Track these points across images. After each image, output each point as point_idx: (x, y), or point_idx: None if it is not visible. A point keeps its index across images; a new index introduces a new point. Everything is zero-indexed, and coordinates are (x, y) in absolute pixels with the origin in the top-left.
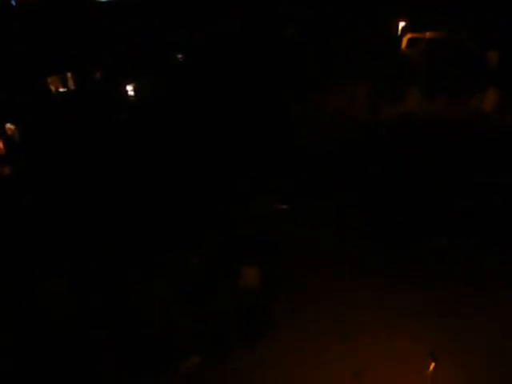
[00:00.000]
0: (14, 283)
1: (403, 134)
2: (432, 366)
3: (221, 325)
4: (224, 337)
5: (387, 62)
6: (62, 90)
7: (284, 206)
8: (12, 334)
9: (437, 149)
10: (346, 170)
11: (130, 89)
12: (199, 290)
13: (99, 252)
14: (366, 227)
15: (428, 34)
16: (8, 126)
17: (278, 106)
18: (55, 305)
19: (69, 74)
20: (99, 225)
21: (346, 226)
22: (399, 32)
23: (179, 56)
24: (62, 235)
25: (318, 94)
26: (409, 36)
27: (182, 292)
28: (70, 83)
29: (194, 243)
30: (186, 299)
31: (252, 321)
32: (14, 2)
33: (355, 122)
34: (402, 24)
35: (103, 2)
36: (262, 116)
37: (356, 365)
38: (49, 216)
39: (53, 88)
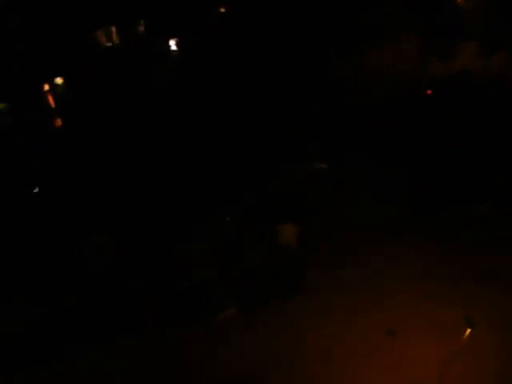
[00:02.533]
0: (63, 235)
1: (455, 94)
2: (468, 331)
3: (258, 280)
4: (261, 291)
5: (439, 14)
6: (107, 44)
7: (323, 165)
8: (53, 282)
9: (490, 110)
10: (388, 133)
11: (172, 43)
12: (237, 246)
13: (141, 211)
14: (406, 191)
15: None
16: (57, 80)
17: (314, 64)
18: (94, 255)
19: (113, 28)
20: (142, 186)
21: (386, 189)
22: None
23: (221, 9)
24: (108, 190)
25: (362, 50)
26: None
27: (220, 248)
28: (115, 37)
29: (232, 203)
30: (224, 255)
31: (289, 277)
32: None
33: (403, 80)
34: None
35: None
36: (299, 75)
37: (389, 324)
38: (97, 170)
39: (99, 42)
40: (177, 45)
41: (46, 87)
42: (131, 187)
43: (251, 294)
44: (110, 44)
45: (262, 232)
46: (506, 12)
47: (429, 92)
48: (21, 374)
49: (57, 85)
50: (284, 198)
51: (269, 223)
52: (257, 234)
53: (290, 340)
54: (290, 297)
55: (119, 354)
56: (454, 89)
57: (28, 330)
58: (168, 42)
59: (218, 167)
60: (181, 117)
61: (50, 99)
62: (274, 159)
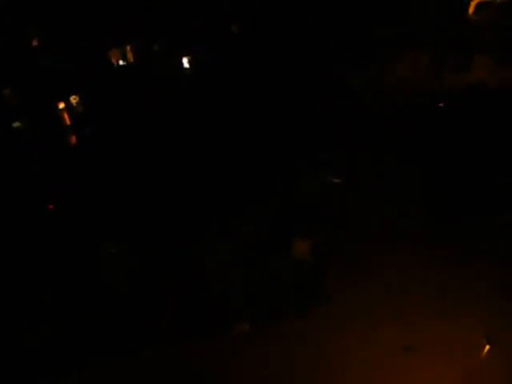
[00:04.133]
0: (78, 247)
1: (469, 105)
2: (487, 348)
3: (272, 294)
4: (275, 304)
5: (453, 28)
6: (121, 63)
7: (337, 180)
8: (75, 296)
9: (505, 122)
10: (404, 143)
11: (185, 61)
12: (252, 260)
13: (162, 220)
14: (424, 202)
15: None
16: (72, 97)
17: (334, 78)
18: (118, 267)
19: (128, 47)
20: (162, 194)
21: (402, 200)
22: None
23: (233, 27)
24: (126, 201)
25: (380, 63)
26: (477, 0)
27: (235, 261)
28: (129, 56)
29: (247, 216)
30: (240, 268)
31: (303, 291)
32: None
33: (418, 92)
34: None
35: None
36: (319, 89)
37: (407, 340)
38: (113, 182)
39: (114, 61)
40: (189, 62)
41: (62, 105)
42: (147, 200)
43: (265, 307)
44: (124, 63)
45: (278, 246)
46: None
47: (441, 104)
48: None
49: (71, 103)
50: (299, 212)
51: (284, 237)
52: (272, 248)
53: (303, 355)
54: (304, 311)
55: (131, 366)
56: (468, 101)
57: (40, 342)
58: (181, 60)
59: (234, 180)
60: (195, 130)
61: (66, 117)
62: (288, 171)
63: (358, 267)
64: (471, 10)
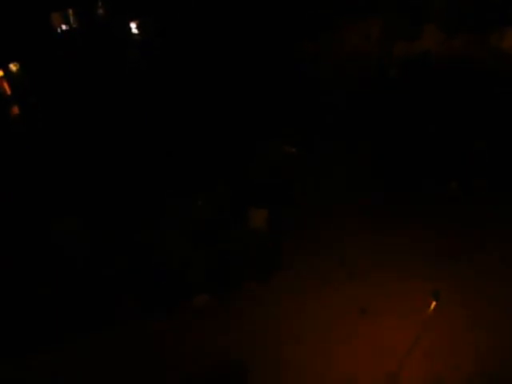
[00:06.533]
0: (28, 222)
1: (417, 74)
2: (433, 304)
3: (231, 263)
4: (234, 275)
5: None
6: (64, 27)
7: (293, 149)
8: (26, 270)
9: (452, 90)
10: (356, 113)
11: (133, 26)
12: (210, 231)
13: (113, 194)
14: (376, 172)
15: None
16: (12, 65)
17: (289, 46)
18: (68, 242)
19: (70, 11)
20: (112, 167)
21: (356, 170)
22: None
23: None
24: (74, 176)
25: (331, 33)
26: None
27: (193, 233)
28: (73, 20)
29: (205, 187)
30: (198, 240)
31: (261, 260)
32: None
33: (368, 61)
34: None
35: None
36: (273, 57)
37: (361, 302)
38: (60, 155)
39: (55, 26)
40: (138, 28)
41: (0, 73)
42: (102, 173)
43: (224, 279)
44: (67, 27)
45: (234, 217)
46: None
47: (392, 72)
48: None
49: (11, 71)
50: (256, 182)
51: (240, 208)
52: (229, 219)
53: (264, 324)
54: (263, 281)
55: (93, 342)
56: (415, 70)
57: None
58: (129, 25)
59: (190, 151)
60: (150, 99)
61: (5, 86)
62: (247, 142)
63: (315, 235)
64: None
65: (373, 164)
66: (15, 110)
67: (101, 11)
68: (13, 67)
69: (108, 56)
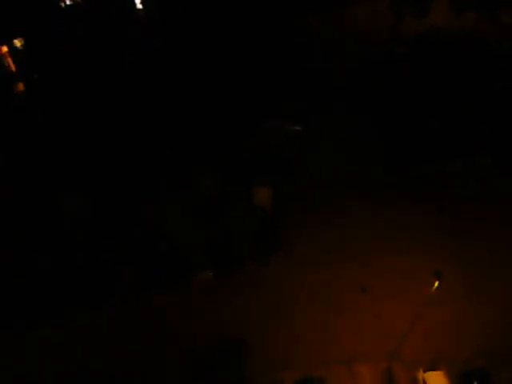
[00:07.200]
0: (32, 196)
1: (426, 50)
2: (436, 284)
3: (233, 241)
4: (236, 253)
5: None
6: (68, 2)
7: (297, 127)
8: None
9: (460, 68)
10: (362, 91)
11: (137, 1)
12: (212, 208)
13: (114, 170)
14: (379, 150)
15: None
16: (16, 41)
17: (293, 20)
18: (70, 214)
19: None
20: (114, 144)
21: (359, 149)
22: None
23: None
24: (77, 152)
25: (337, 7)
26: None
27: (195, 210)
28: None
29: (207, 165)
30: (199, 217)
31: (264, 238)
32: None
33: (377, 37)
34: None
35: None
36: (276, 31)
37: (364, 282)
38: (64, 131)
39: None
40: (142, 3)
41: (5, 49)
42: (105, 148)
43: (227, 256)
44: (71, 2)
45: (237, 194)
46: None
47: (401, 49)
48: None
49: (16, 46)
50: (258, 161)
51: (243, 185)
52: (231, 196)
53: (266, 301)
54: (265, 258)
55: (94, 318)
56: (425, 46)
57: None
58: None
59: (192, 128)
60: (152, 76)
61: (10, 62)
62: (249, 120)
63: (319, 213)
64: None
65: (373, 139)
66: (20, 86)
67: None
68: (17, 43)
69: (109, 31)
